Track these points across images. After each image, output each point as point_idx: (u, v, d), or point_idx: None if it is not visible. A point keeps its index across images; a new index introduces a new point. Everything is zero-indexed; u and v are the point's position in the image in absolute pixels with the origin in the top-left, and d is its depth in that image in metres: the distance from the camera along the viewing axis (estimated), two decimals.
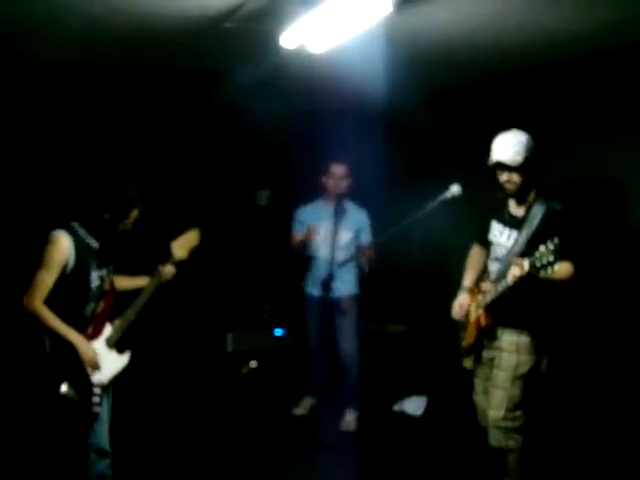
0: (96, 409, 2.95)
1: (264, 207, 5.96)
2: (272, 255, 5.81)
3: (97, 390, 2.95)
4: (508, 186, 3.14)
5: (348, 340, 4.50)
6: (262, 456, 4.10)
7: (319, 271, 4.41)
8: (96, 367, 2.95)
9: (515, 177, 3.10)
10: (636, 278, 3.65)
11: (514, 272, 2.92)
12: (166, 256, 3.17)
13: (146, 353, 5.01)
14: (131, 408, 4.45)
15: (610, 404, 3.74)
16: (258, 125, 5.51)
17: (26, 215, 4.59)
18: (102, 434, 3.05)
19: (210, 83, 4.58)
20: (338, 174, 4.40)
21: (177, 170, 5.43)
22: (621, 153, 3.75)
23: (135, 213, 2.97)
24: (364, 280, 4.56)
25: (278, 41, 3.14)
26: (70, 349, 2.88)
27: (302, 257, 4.57)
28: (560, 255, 2.74)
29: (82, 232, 2.93)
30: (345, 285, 4.42)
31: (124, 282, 3.22)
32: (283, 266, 5.78)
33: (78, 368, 2.91)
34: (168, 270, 3.16)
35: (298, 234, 4.55)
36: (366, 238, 4.45)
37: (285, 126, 5.66)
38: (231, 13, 3.08)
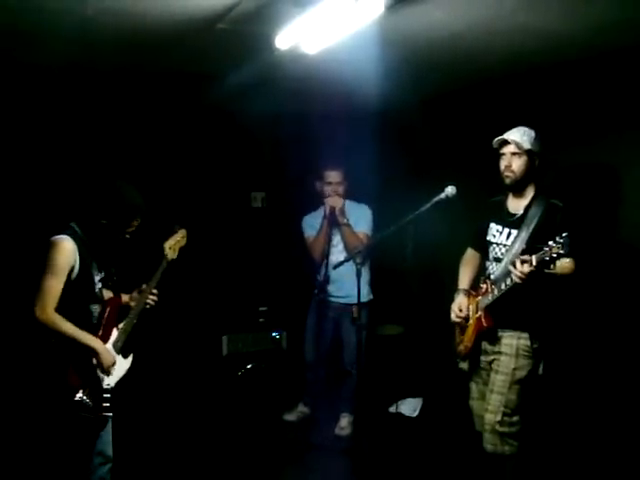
0: (107, 413, 2.93)
1: (259, 209, 5.95)
2: (267, 257, 5.79)
3: (107, 395, 2.93)
4: (507, 173, 3.14)
5: (353, 350, 4.27)
6: (257, 458, 4.09)
7: (319, 273, 4.42)
8: (112, 372, 2.94)
9: (515, 165, 3.11)
10: (635, 278, 3.63)
11: (522, 269, 2.85)
12: (159, 257, 3.15)
13: (141, 355, 5.01)
14: (126, 410, 4.44)
15: (608, 409, 3.71)
16: (252, 127, 5.51)
17: (24, 217, 4.57)
18: (107, 439, 3.04)
19: (204, 85, 4.57)
20: (333, 180, 4.40)
21: (171, 172, 5.41)
22: (617, 152, 3.73)
23: (136, 222, 2.91)
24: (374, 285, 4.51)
25: (271, 42, 3.13)
26: (82, 355, 2.84)
27: (321, 258, 4.42)
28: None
29: (81, 234, 2.85)
30: (352, 291, 3.95)
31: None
32: (279, 268, 5.77)
33: (91, 374, 2.88)
34: (152, 297, 3.12)
35: (311, 235, 4.50)
36: (361, 227, 4.39)
37: (280, 128, 5.65)
38: (224, 14, 3.07)
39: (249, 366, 5.43)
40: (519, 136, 3.11)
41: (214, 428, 4.51)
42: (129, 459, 3.90)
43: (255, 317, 5.75)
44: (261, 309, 5.76)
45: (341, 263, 3.86)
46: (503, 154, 3.16)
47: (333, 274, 4.23)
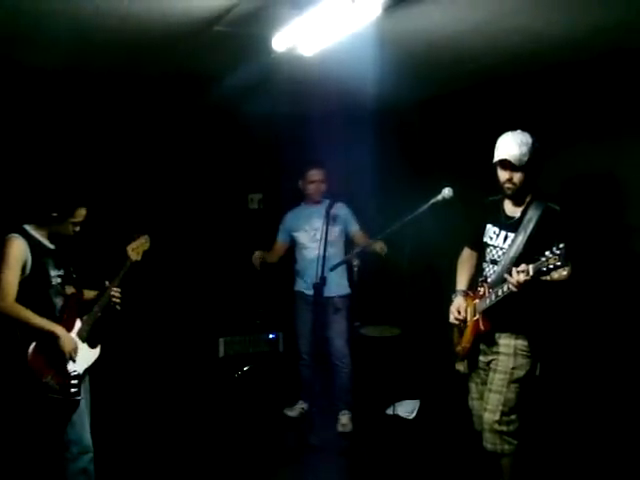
0: (76, 397, 3.09)
1: (255, 211, 5.95)
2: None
3: (75, 381, 3.10)
4: (508, 185, 3.11)
5: (341, 340, 4.55)
6: (254, 460, 4.08)
7: (312, 271, 4.39)
8: (75, 355, 3.11)
9: (517, 177, 3.07)
10: (633, 279, 3.63)
11: (518, 279, 2.87)
12: (123, 259, 3.37)
13: (138, 357, 5.01)
14: (123, 411, 4.44)
15: (605, 408, 3.72)
16: (250, 128, 5.51)
17: None
18: (82, 428, 3.16)
19: (201, 86, 4.57)
20: (316, 178, 4.51)
21: (168, 174, 5.41)
22: (614, 155, 3.73)
23: (82, 212, 3.12)
24: (355, 281, 4.52)
25: (268, 44, 3.12)
26: (46, 340, 3.02)
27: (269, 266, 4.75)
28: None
29: (35, 234, 3.10)
30: (337, 285, 4.47)
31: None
32: (275, 270, 5.76)
33: (56, 358, 3.06)
34: (115, 293, 3.32)
35: (279, 242, 4.73)
36: (354, 227, 4.57)
37: (277, 129, 5.65)
38: (221, 16, 3.07)
39: (246, 368, 5.42)
40: (517, 148, 3.03)
41: (211, 430, 4.50)
42: (126, 460, 3.90)
43: (252, 319, 5.75)
44: (259, 311, 5.76)
45: (338, 265, 3.99)
46: (503, 168, 3.11)
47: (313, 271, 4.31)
